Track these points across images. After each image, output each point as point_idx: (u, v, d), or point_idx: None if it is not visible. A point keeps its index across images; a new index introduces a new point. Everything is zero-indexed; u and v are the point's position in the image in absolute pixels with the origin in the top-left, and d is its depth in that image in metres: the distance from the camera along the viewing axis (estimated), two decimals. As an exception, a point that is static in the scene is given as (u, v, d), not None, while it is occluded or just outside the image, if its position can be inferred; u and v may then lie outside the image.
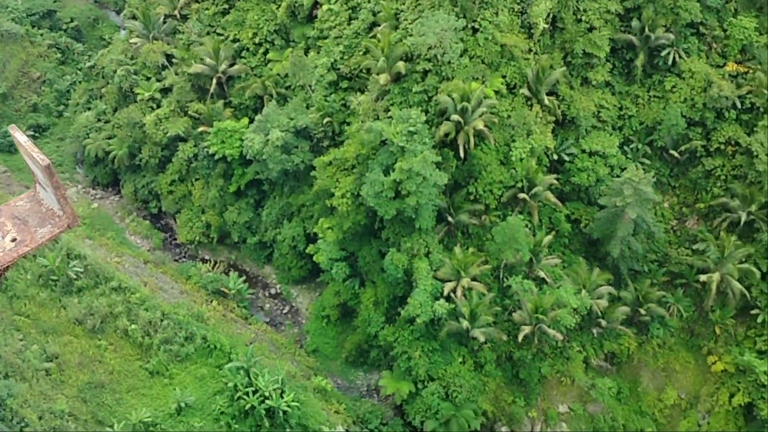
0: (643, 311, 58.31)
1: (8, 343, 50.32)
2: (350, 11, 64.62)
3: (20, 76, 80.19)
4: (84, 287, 57.13)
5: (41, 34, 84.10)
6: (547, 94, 58.45)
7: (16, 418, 45.29)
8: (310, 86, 65.26)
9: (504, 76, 57.79)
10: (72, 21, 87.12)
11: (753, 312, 57.91)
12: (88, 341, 54.31)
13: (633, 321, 59.48)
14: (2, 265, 6.54)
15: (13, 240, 6.69)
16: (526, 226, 56.14)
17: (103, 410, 50.61)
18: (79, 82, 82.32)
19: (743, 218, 56.78)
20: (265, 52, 69.93)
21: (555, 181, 58.19)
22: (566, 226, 59.58)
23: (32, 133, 76.94)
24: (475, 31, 57.90)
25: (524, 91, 57.61)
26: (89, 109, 77.61)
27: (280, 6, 68.60)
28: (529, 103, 58.14)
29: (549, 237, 57.74)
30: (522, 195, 56.53)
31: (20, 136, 6.59)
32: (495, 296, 56.58)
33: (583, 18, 59.41)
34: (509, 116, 57.06)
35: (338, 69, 63.85)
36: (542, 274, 56.68)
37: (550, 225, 59.71)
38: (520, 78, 58.07)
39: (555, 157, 59.25)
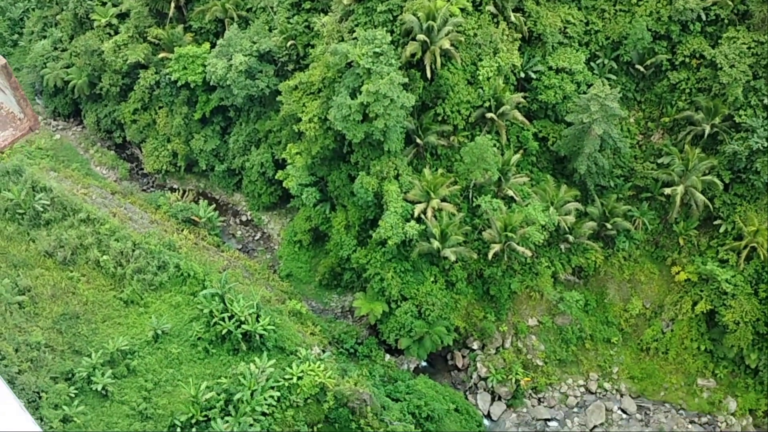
0: (609, 225, 59.54)
1: (-22, 278, 50.08)
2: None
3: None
4: (52, 220, 56.61)
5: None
6: (513, 11, 57.76)
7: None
8: (271, 8, 63.66)
9: None
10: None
11: (716, 223, 59.42)
12: (60, 273, 54.21)
13: (600, 235, 60.79)
14: None
15: None
16: (494, 145, 56.36)
17: (80, 340, 51.00)
18: (33, 9, 79.28)
19: (707, 131, 57.52)
20: (225, -27, 67.73)
21: (522, 100, 58.16)
22: (534, 144, 59.94)
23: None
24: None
25: (490, 8, 56.78)
26: (45, 37, 75.09)
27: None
28: (495, 20, 57.42)
29: (517, 156, 58.14)
30: (490, 114, 56.51)
31: None
32: (465, 216, 57.26)
33: (549, -70, 58.16)
34: (476, 34, 56.41)
35: None
36: (511, 193, 57.33)
37: (518, 144, 60.02)
38: None
39: (522, 75, 59.05)
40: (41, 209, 56.18)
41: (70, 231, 56.17)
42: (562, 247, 60.21)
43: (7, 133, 6.18)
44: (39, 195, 57.00)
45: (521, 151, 59.38)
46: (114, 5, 69.53)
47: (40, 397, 45.64)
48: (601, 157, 58.52)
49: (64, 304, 52.03)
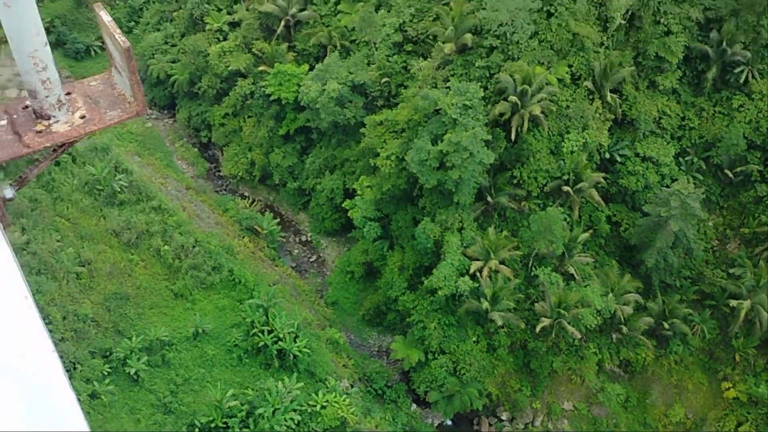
0: (666, 325, 57.76)
1: (45, 242, 52.20)
2: (428, -25, 64.03)
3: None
4: (126, 201, 58.72)
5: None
6: (611, 91, 57.51)
7: (41, 313, 47.13)
8: (374, 43, 65.17)
9: (570, 66, 56.95)
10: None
11: (777, 346, 56.98)
12: (122, 253, 56.00)
13: (654, 333, 59.00)
14: (69, 139, 6.94)
15: (82, 117, 7.08)
16: (565, 219, 55.78)
17: (124, 322, 52.39)
18: (153, 2, 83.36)
19: (786, 251, 55.57)
20: (337, 2, 69.89)
21: (602, 180, 57.52)
22: (605, 226, 59.00)
23: (100, 44, 78.53)
24: (549, 15, 56.97)
25: (588, 84, 56.73)
26: (158, 30, 78.72)
27: (359, -42, 68.33)
28: (590, 96, 57.28)
29: (586, 235, 57.28)
30: (566, 188, 56.05)
31: (105, 16, 6.90)
32: (520, 283, 56.58)
33: (662, 20, 57.98)
34: (568, 107, 56.34)
35: (405, 31, 63.59)
36: (572, 270, 56.40)
37: (590, 223, 59.19)
38: (587, 70, 57.16)
39: (607, 155, 58.48)
40: (118, 189, 58.39)
41: (140, 215, 58.12)
42: (614, 336, 58.65)
43: (115, 113, 6.63)
44: (119, 176, 59.32)
45: (591, 231, 58.50)
46: (228, 13, 72.48)
47: (75, 368, 46.94)
48: (671, 254, 57.10)
49: (119, 283, 53.63)
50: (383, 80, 63.63)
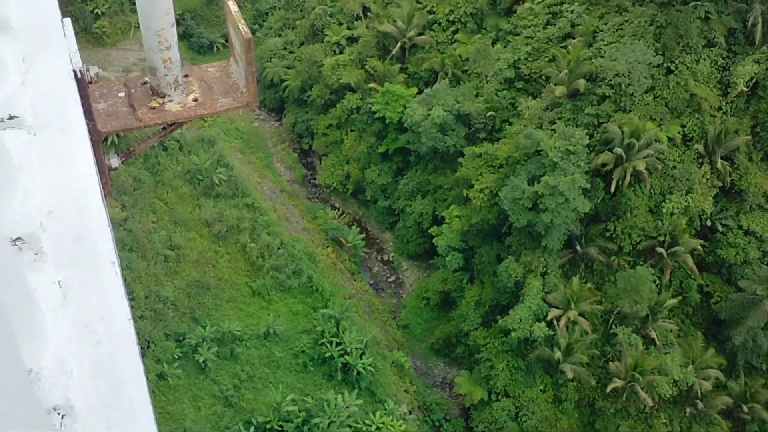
0: (746, 408, 54.58)
1: (141, 222, 54.55)
2: (550, 16, 63.68)
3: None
4: (222, 194, 60.73)
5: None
6: (722, 158, 55.30)
7: (126, 288, 49.16)
8: (486, 76, 65.18)
9: (683, 126, 55.20)
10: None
11: None
12: (210, 244, 57.86)
13: (732, 414, 55.83)
14: (179, 119, 7.28)
15: (195, 100, 7.42)
16: (654, 281, 53.83)
17: (201, 310, 53.97)
18: (279, 8, 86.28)
19: None
20: (455, 32, 70.38)
21: (699, 247, 55.21)
22: (696, 296, 56.51)
23: (223, 41, 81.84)
24: (669, 72, 55.53)
25: (699, 147, 54.80)
26: (280, 35, 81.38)
27: (484, -9, 68.73)
28: (699, 160, 55.27)
29: (674, 300, 55.03)
30: (660, 249, 54.11)
31: (233, 6, 7.28)
32: (597, 339, 54.86)
33: (789, 93, 55.46)
34: (675, 167, 54.56)
35: (518, 68, 63.33)
36: (653, 335, 54.25)
37: (679, 289, 56.84)
38: (700, 133, 55.24)
39: (708, 223, 56.14)
40: (217, 182, 60.46)
41: (232, 210, 59.97)
42: (688, 410, 55.85)
43: (226, 101, 6.94)
44: (220, 169, 61.46)
45: (680, 297, 56.14)
46: (348, 28, 74.19)
47: (148, 347, 48.63)
48: (762, 335, 54.09)
49: (202, 272, 55.36)
50: (489, 113, 63.48)
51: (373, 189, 70.04)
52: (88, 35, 72.80)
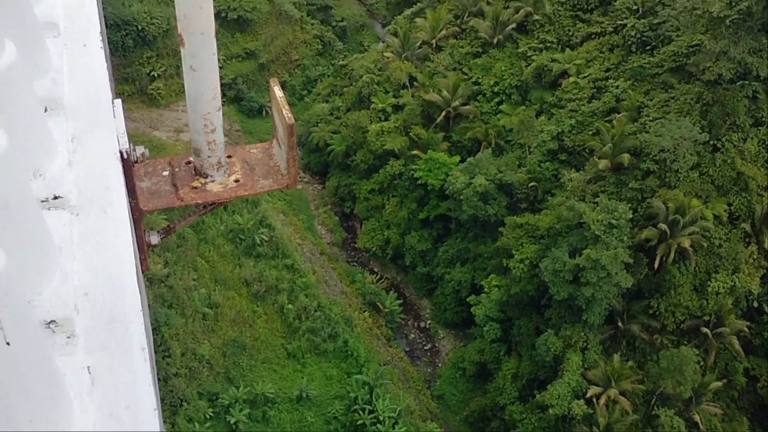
0: (797, 503, 51.85)
1: (183, 279, 55.26)
2: (594, 90, 64.04)
3: (281, 53, 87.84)
4: (263, 254, 61.34)
5: (312, 24, 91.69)
6: (770, 238, 54.12)
7: (163, 345, 49.59)
8: (529, 147, 65.42)
9: (729, 204, 54.32)
10: (342, 21, 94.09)
11: None
12: (248, 303, 58.20)
13: None
14: (219, 199, 7.50)
15: (236, 181, 7.63)
16: (698, 362, 52.15)
17: (236, 370, 53.92)
18: (328, 75, 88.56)
19: None
20: (499, 103, 71.13)
21: (746, 329, 53.52)
22: (742, 379, 54.51)
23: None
24: (715, 149, 55.04)
25: (746, 226, 53.74)
26: (327, 101, 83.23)
27: (529, 65, 69.53)
28: (746, 240, 54.12)
29: (718, 383, 53.11)
30: (705, 330, 52.60)
31: (277, 91, 7.56)
32: (638, 419, 53.00)
33: (841, 174, 54.37)
34: (720, 245, 53.47)
35: (562, 140, 63.46)
36: (697, 418, 52.24)
37: (725, 371, 54.92)
38: (747, 212, 54.25)
39: (755, 304, 54.54)
40: (258, 242, 61.18)
41: (272, 270, 60.42)
42: (734, 500, 53.29)
43: (266, 182, 7.13)
44: (262, 229, 62.27)
45: (725, 380, 54.18)
46: (394, 96, 75.54)
47: (181, 405, 48.59)
48: (814, 425, 51.73)
49: (239, 332, 55.54)
50: (531, 184, 63.43)
51: (413, 255, 69.99)
52: (144, 96, 75.51)
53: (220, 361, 53.42)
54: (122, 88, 74.07)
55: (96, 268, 5.38)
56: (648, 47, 63.10)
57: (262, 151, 7.52)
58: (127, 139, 6.49)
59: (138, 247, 6.71)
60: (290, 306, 58.26)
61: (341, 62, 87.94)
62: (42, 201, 5.72)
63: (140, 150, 6.90)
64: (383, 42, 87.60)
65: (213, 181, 7.10)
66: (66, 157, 6.21)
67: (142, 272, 6.42)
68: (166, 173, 7.16)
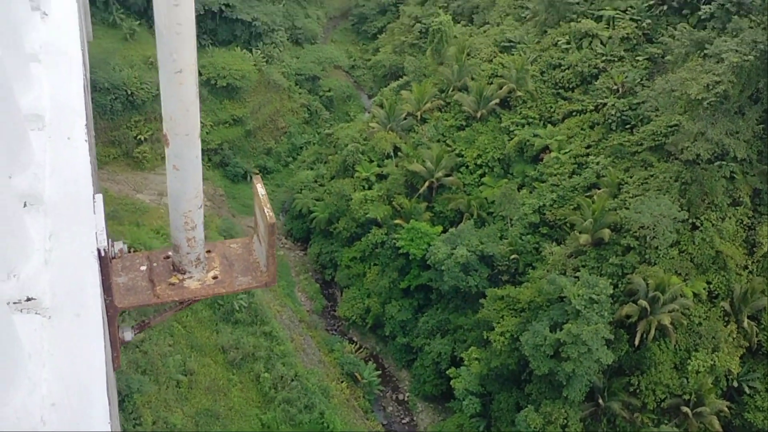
0: None
1: (158, 344, 54.27)
2: (575, 166, 65.10)
3: (268, 121, 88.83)
4: (240, 321, 60.55)
5: (300, 93, 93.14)
6: (749, 317, 54.35)
7: (135, 412, 48.33)
8: (510, 220, 65.92)
9: (709, 283, 54.72)
10: (329, 91, 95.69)
11: None
12: (223, 371, 57.09)
13: None
14: (197, 297, 7.38)
15: (215, 278, 7.52)
16: (679, 442, 51.57)
17: (209, 440, 52.47)
18: (313, 143, 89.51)
19: None
20: (482, 175, 72.02)
21: (726, 409, 53.15)
22: (723, 460, 53.87)
23: (257, 171, 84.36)
24: (694, 227, 55.77)
25: (725, 305, 54.03)
26: (312, 169, 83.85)
27: (511, 140, 70.75)
28: (726, 318, 54.33)
29: (700, 464, 52.47)
30: (686, 409, 52.19)
31: (260, 189, 7.53)
32: (619, 500, 52.01)
33: (816, 255, 55.12)
34: (700, 323, 53.60)
35: (543, 214, 64.07)
36: (678, 500, 51.36)
37: (706, 452, 54.27)
38: (725, 290, 54.64)
39: (735, 384, 54.35)
40: (237, 308, 60.48)
41: (250, 337, 59.53)
42: None
43: (245, 280, 7.02)
44: (241, 295, 61.61)
45: (706, 461, 53.53)
46: (378, 166, 76.26)
47: (150, 476, 47.06)
48: None
49: (213, 400, 54.32)
50: (512, 256, 63.63)
51: (393, 325, 69.42)
52: (129, 159, 75.71)
53: (192, 430, 52.02)
54: (108, 150, 74.33)
55: (65, 376, 5.26)
56: (628, 126, 64.56)
57: (242, 246, 7.48)
58: (105, 236, 6.44)
59: (111, 345, 6.58)
60: (267, 375, 57.22)
61: (327, 131, 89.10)
62: (14, 303, 5.61)
63: (118, 246, 6.84)
64: (369, 112, 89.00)
65: (191, 277, 7.04)
66: (42, 257, 6.12)
67: (114, 370, 6.27)
68: (143, 268, 7.09)
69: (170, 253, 7.17)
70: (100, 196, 6.79)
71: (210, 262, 7.25)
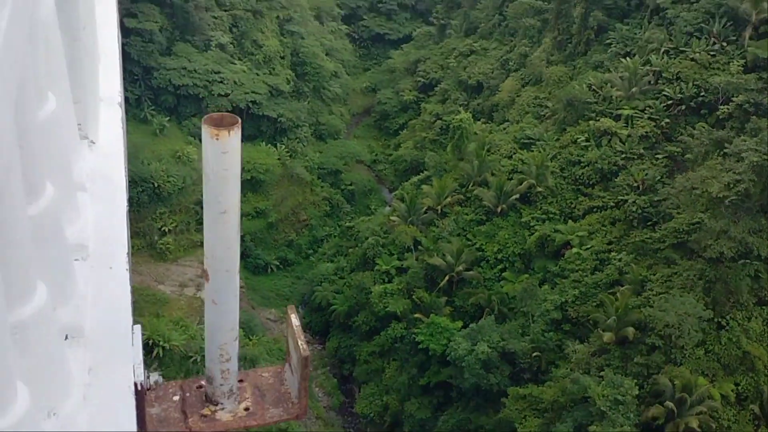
0: None
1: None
2: (597, 262, 64.81)
3: (290, 213, 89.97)
4: (257, 417, 59.38)
5: (322, 187, 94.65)
6: (782, 422, 52.56)
7: None
8: (532, 316, 65.20)
9: (737, 384, 53.27)
10: (351, 185, 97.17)
11: None
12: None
13: None
14: (228, 429, 7.29)
15: (246, 409, 7.44)
16: None
17: None
18: (334, 236, 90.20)
19: None
20: (503, 270, 71.79)
21: None
22: None
23: (277, 263, 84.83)
24: (720, 327, 54.79)
25: (755, 407, 52.35)
26: (332, 261, 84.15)
27: (532, 235, 70.88)
28: (756, 422, 52.52)
29: None
30: None
31: (295, 320, 7.53)
32: None
33: None
34: (729, 428, 51.84)
35: (566, 310, 63.37)
36: None
37: None
38: (755, 393, 53.08)
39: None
40: (254, 404, 59.46)
41: (266, 434, 58.26)
42: None
43: (276, 412, 6.92)
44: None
45: None
46: (398, 259, 76.43)
47: None
48: None
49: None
50: (534, 354, 62.58)
51: (412, 423, 67.76)
52: (152, 250, 76.61)
53: None
54: (132, 242, 75.01)
55: None
56: (649, 223, 64.55)
57: (273, 375, 7.50)
58: (142, 369, 6.53)
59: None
60: (283, 474, 55.72)
61: (348, 224, 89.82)
62: None
63: (154, 377, 6.91)
64: (390, 206, 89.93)
65: (223, 408, 7.05)
66: (81, 392, 6.19)
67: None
68: (176, 398, 7.12)
69: (203, 383, 7.21)
70: (138, 328, 6.91)
71: (242, 393, 7.26)
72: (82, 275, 7.03)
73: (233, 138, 5.93)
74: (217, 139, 5.89)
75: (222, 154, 5.95)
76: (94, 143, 8.92)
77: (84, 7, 8.45)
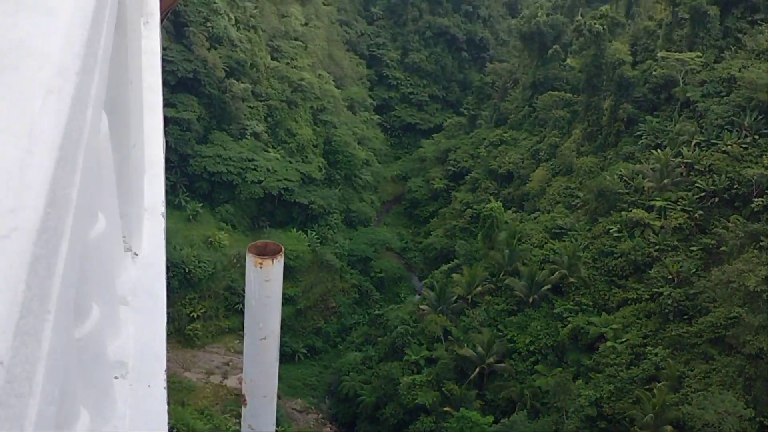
0: None
1: None
2: (633, 357, 63.15)
3: (319, 300, 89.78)
4: None
5: (351, 274, 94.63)
6: None
7: None
8: (566, 411, 63.21)
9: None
10: (380, 272, 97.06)
11: None
12: None
13: None
14: None
15: None
16: None
17: None
18: (363, 324, 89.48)
19: None
20: (535, 362, 70.23)
21: None
22: None
23: (305, 351, 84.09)
24: (762, 427, 52.49)
25: None
26: (360, 350, 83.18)
27: (565, 327, 69.64)
28: None
29: None
30: None
31: None
32: None
33: None
34: None
35: (601, 407, 61.35)
36: None
37: None
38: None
39: None
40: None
41: None
42: None
43: None
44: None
45: None
46: (428, 349, 75.25)
47: None
48: None
49: None
50: (568, 451, 60.36)
51: None
52: (180, 336, 76.53)
53: None
54: (162, 328, 75.32)
55: None
56: (685, 316, 63.13)
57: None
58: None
59: None
60: None
61: (377, 312, 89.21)
62: None
63: None
64: (419, 294, 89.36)
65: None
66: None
67: None
68: None
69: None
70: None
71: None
72: (121, 394, 7.00)
73: (276, 266, 5.96)
74: (260, 267, 5.91)
75: (265, 282, 5.96)
76: (137, 255, 9.03)
77: (135, 125, 8.72)
